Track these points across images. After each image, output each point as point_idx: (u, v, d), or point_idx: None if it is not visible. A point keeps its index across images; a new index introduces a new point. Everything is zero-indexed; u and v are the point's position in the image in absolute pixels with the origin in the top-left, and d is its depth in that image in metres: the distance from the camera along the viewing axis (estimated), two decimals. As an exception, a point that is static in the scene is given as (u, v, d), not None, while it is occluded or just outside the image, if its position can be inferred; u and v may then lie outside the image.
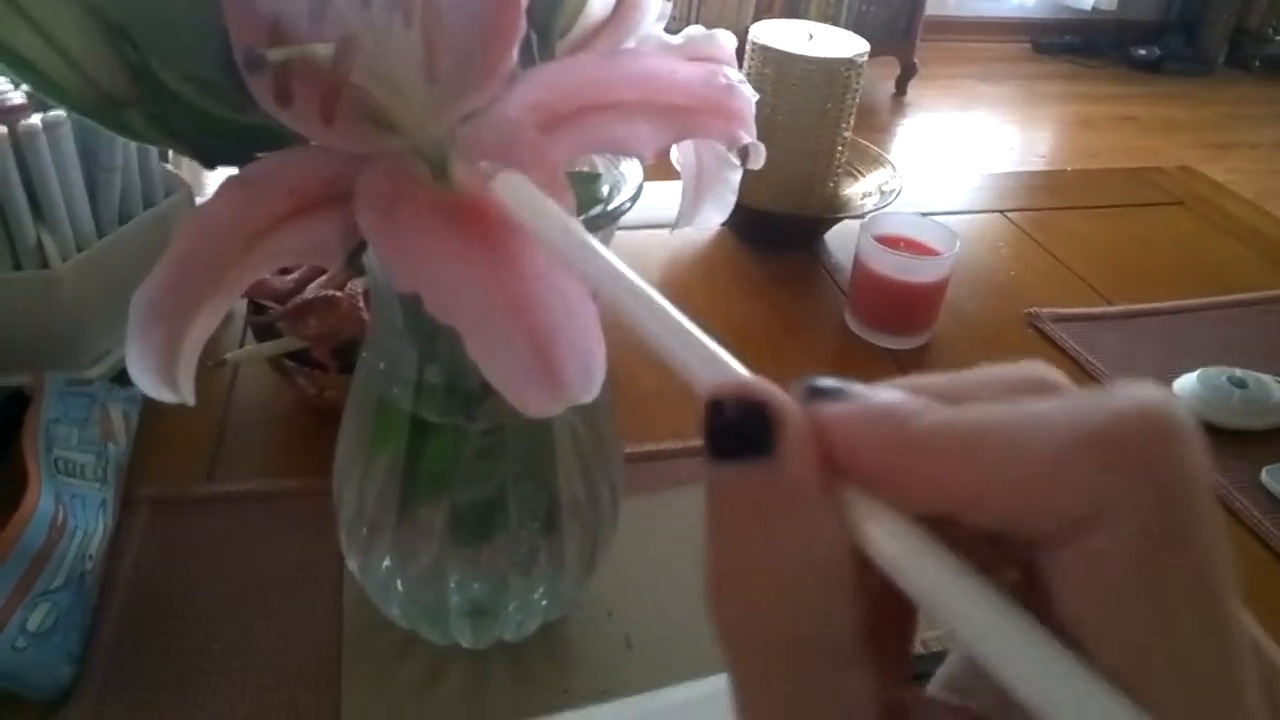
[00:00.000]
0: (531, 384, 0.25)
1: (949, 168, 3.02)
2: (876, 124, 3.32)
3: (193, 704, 0.43)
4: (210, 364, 0.54)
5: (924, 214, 0.78)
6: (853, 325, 0.75)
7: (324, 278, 0.57)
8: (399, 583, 0.42)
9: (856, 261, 0.74)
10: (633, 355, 0.72)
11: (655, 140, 0.29)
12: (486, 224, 0.26)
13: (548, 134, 0.29)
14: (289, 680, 0.44)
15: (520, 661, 0.45)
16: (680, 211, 0.38)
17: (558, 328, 0.25)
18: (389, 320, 0.40)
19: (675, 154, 0.40)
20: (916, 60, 3.49)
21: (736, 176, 0.38)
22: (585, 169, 0.40)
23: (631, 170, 0.38)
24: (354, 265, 0.29)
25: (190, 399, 0.26)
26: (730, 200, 0.38)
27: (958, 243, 0.73)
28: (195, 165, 0.32)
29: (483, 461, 0.41)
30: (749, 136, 0.32)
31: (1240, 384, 0.70)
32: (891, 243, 0.73)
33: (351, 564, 0.43)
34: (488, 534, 0.42)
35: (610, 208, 0.36)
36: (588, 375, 0.25)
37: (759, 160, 0.36)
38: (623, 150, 0.33)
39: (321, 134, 0.27)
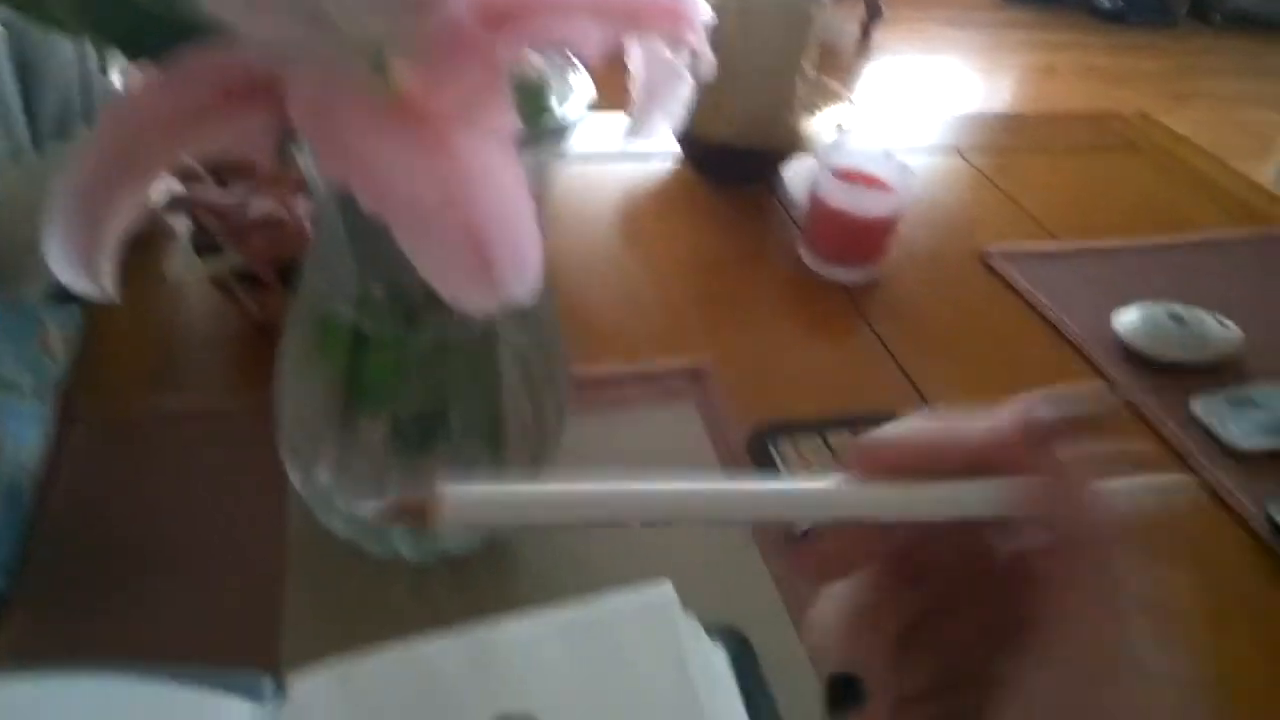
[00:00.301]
0: (466, 277, 0.25)
1: (911, 111, 3.02)
2: (840, 65, 3.30)
3: (132, 616, 0.42)
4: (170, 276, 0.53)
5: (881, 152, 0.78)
6: (806, 259, 0.76)
7: (268, 198, 0.56)
8: (340, 495, 0.42)
9: (811, 194, 0.74)
10: (583, 278, 0.72)
11: (600, 39, 0.29)
12: (424, 120, 0.26)
13: (491, 32, 0.28)
14: (231, 592, 0.44)
15: (463, 573, 0.45)
16: (631, 121, 0.38)
17: (493, 219, 0.25)
18: (331, 233, 0.40)
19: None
20: (882, 3, 3.46)
21: (687, 88, 0.37)
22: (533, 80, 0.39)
23: (581, 83, 0.38)
24: (284, 158, 0.29)
25: (112, 291, 0.25)
26: (680, 112, 0.38)
27: (912, 178, 0.73)
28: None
29: (425, 376, 0.41)
30: (697, 40, 0.31)
31: (1178, 319, 0.71)
32: (847, 177, 0.73)
33: (293, 476, 0.43)
34: (429, 447, 0.42)
35: (559, 120, 0.35)
36: (524, 269, 0.25)
37: (709, 72, 0.36)
38: (567, 47, 0.33)
39: (252, 26, 0.26)
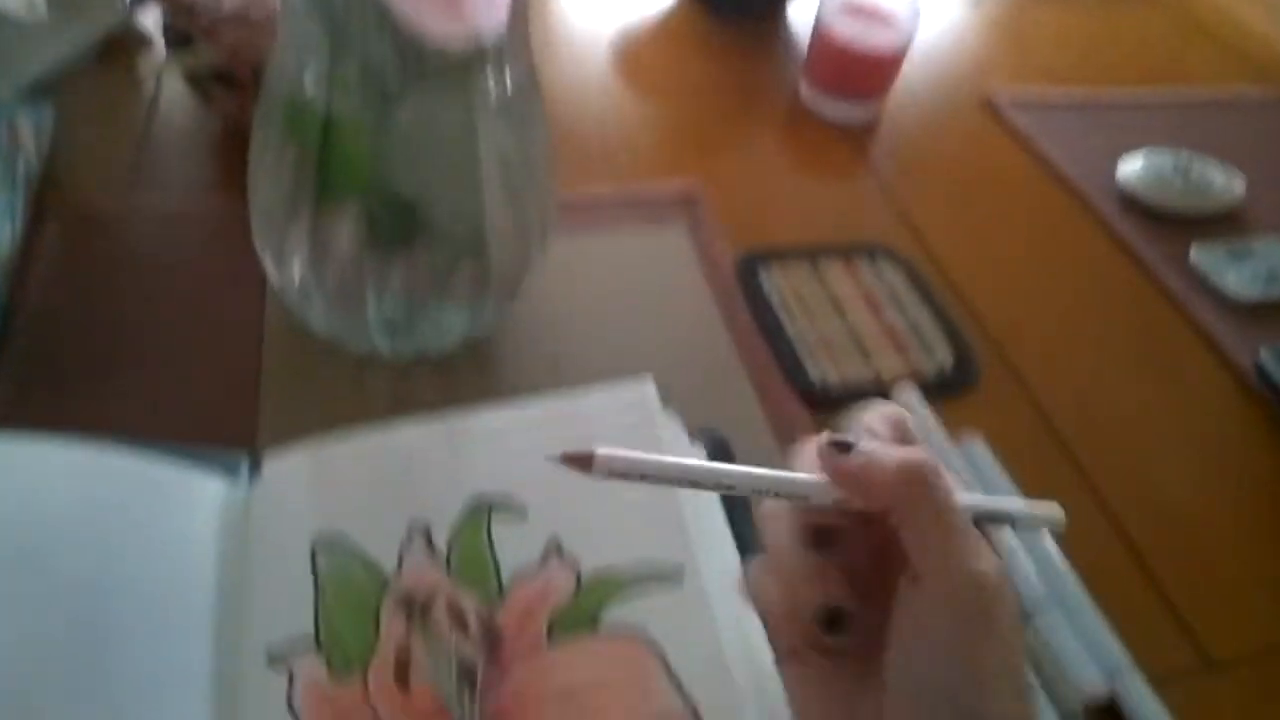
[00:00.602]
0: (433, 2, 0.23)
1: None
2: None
3: (107, 405, 0.42)
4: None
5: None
6: (806, 96, 0.73)
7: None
8: (316, 290, 0.42)
9: (815, 24, 0.71)
10: (578, 104, 0.70)
11: None
12: None
13: None
14: (208, 384, 0.44)
15: (442, 371, 0.45)
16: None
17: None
18: (301, 8, 0.38)
19: None
20: None
21: None
22: None
23: None
24: None
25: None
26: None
27: (918, 15, 0.70)
28: None
29: (399, 164, 0.39)
30: None
31: (1183, 169, 0.70)
32: (853, 9, 0.70)
33: (269, 271, 0.42)
34: (405, 243, 0.41)
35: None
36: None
37: None
38: None
39: None
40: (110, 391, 0.43)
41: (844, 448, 0.27)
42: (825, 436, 0.27)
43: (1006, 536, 0.45)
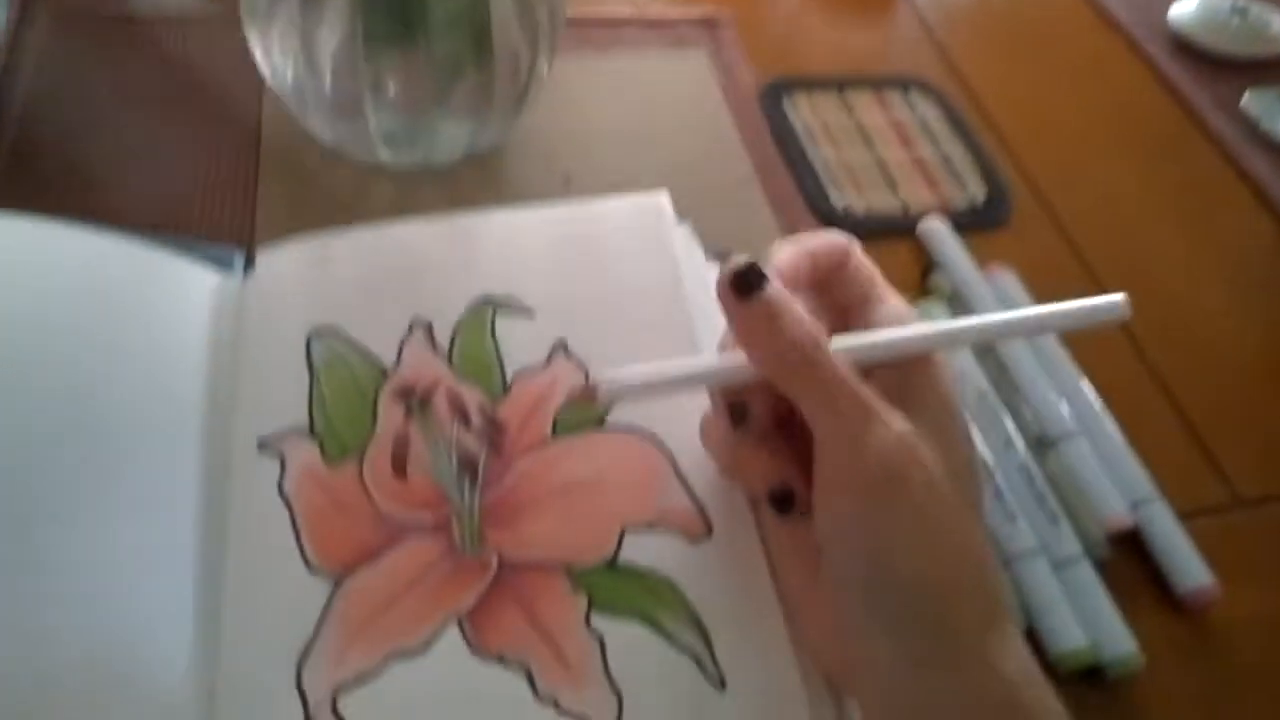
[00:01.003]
0: None
1: None
2: None
3: (95, 206, 0.40)
4: None
5: None
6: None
7: None
8: (312, 95, 0.39)
9: None
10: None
11: None
12: None
13: None
14: (204, 188, 0.42)
15: (450, 184, 0.43)
16: None
17: None
18: None
19: None
20: None
21: None
22: None
23: None
24: None
25: None
26: None
27: None
28: None
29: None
30: None
31: (1241, 11, 0.65)
32: None
33: (262, 69, 0.40)
34: (405, 41, 0.38)
35: None
36: None
37: None
38: None
39: None
40: (99, 193, 0.41)
41: (747, 288, 0.26)
42: (731, 266, 0.26)
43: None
